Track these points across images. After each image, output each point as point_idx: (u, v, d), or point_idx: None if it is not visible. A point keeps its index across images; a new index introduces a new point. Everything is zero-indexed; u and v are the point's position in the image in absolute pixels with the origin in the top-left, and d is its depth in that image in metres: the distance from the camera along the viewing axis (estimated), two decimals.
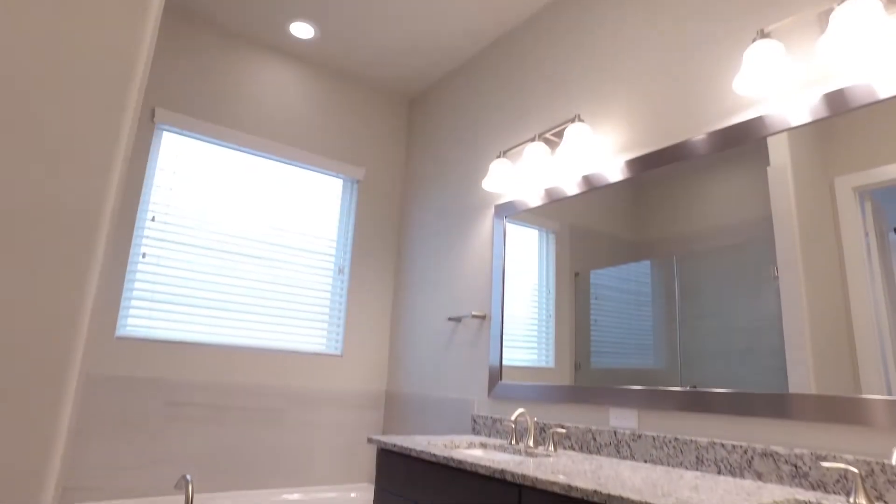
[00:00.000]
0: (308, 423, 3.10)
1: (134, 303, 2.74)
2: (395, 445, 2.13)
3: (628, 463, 1.90)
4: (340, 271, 3.39)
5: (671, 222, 2.01)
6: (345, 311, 3.36)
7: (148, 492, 2.60)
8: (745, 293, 1.75)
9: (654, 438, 1.89)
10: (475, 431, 2.64)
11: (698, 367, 1.84)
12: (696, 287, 1.89)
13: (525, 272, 2.58)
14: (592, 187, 2.33)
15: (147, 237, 2.81)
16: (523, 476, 1.54)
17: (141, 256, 2.77)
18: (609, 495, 1.31)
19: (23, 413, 0.87)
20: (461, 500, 1.79)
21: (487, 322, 2.74)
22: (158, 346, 2.74)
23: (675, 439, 1.83)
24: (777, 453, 1.57)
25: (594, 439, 2.09)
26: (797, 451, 1.53)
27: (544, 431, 2.30)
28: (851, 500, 1.30)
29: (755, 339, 1.70)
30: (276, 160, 3.27)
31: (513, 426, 2.29)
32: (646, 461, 1.90)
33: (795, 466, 1.52)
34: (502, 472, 1.61)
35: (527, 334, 2.50)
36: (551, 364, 2.36)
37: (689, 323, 1.89)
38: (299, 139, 3.36)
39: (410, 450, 2.03)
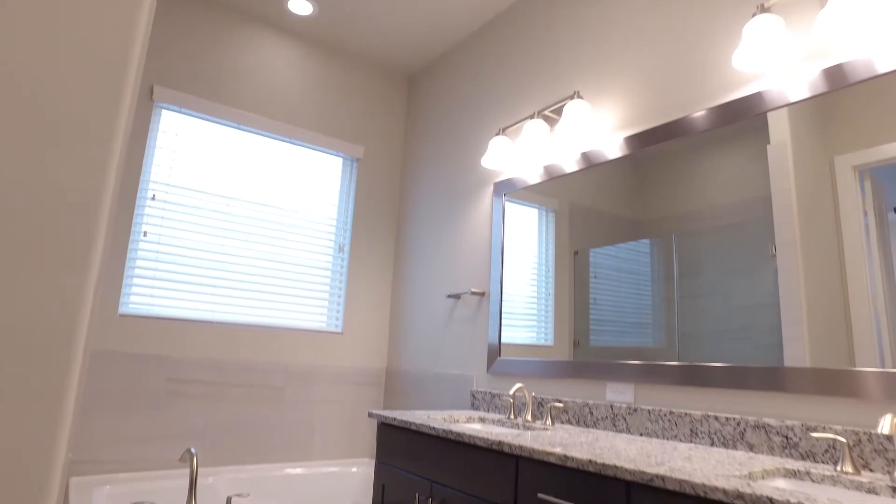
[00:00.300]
0: (309, 400, 3.14)
1: (136, 280, 2.76)
2: (395, 419, 2.17)
3: (624, 436, 1.93)
4: (341, 249, 3.41)
5: (671, 201, 2.02)
6: (345, 288, 3.38)
7: (153, 465, 2.65)
8: (743, 271, 1.77)
9: (649, 412, 1.93)
10: (474, 407, 2.68)
11: (696, 346, 1.87)
12: (695, 266, 1.91)
13: (524, 250, 2.60)
14: (591, 164, 2.34)
15: (148, 216, 2.82)
16: (520, 447, 1.58)
17: (142, 235, 2.79)
18: (603, 464, 1.34)
19: (31, 392, 0.89)
20: (460, 471, 1.83)
21: (486, 299, 2.77)
22: (160, 324, 2.77)
23: (671, 412, 1.86)
24: (769, 425, 1.60)
25: (591, 413, 2.13)
26: (788, 422, 1.56)
27: (542, 406, 2.33)
28: (838, 468, 1.34)
29: (752, 317, 1.72)
30: (276, 138, 3.27)
31: (511, 401, 2.33)
32: (641, 434, 1.94)
33: (786, 437, 1.55)
34: (500, 443, 1.65)
35: (526, 312, 2.53)
36: (550, 342, 2.39)
37: (688, 301, 1.91)
38: (298, 117, 3.35)
39: (410, 423, 2.07)
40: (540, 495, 1.50)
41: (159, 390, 2.72)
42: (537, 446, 1.54)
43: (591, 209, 2.31)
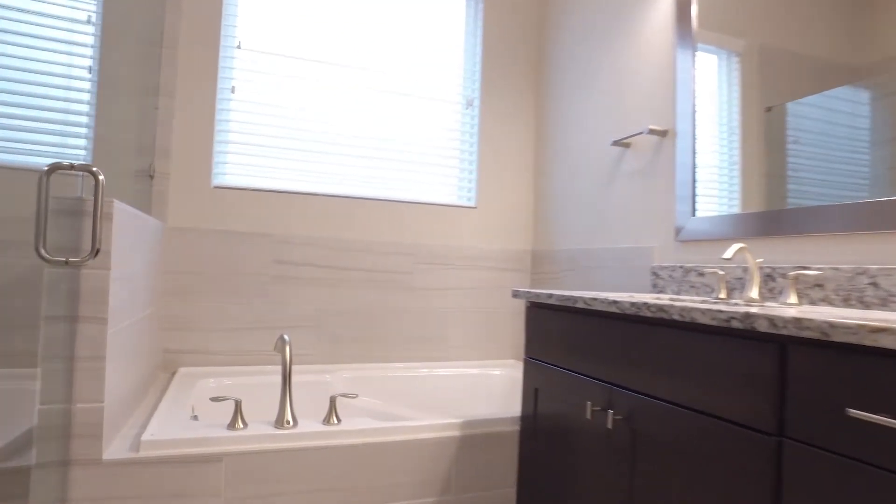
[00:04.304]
0: (439, 288, 2.60)
1: (230, 147, 2.32)
2: (550, 296, 1.52)
3: None
4: (469, 104, 2.72)
5: None
6: (476, 152, 2.72)
7: (264, 359, 2.30)
8: None
9: None
10: (657, 288, 1.95)
11: None
12: None
13: (700, 108, 1.77)
14: None
15: (235, 68, 2.33)
16: (797, 321, 0.84)
17: (230, 91, 2.31)
18: None
19: None
20: (660, 370, 1.15)
21: (671, 139, 1.95)
22: (262, 197, 2.33)
23: None
24: None
25: (874, 285, 1.30)
26: None
27: (772, 280, 1.54)
28: None
29: None
30: None
31: (721, 273, 1.57)
32: None
33: None
34: (747, 315, 0.92)
35: (703, 186, 1.74)
36: None
37: None
38: None
39: (576, 300, 1.41)
40: (851, 412, 0.77)
41: (265, 273, 2.31)
42: (832, 319, 0.80)
43: (790, 52, 1.55)
